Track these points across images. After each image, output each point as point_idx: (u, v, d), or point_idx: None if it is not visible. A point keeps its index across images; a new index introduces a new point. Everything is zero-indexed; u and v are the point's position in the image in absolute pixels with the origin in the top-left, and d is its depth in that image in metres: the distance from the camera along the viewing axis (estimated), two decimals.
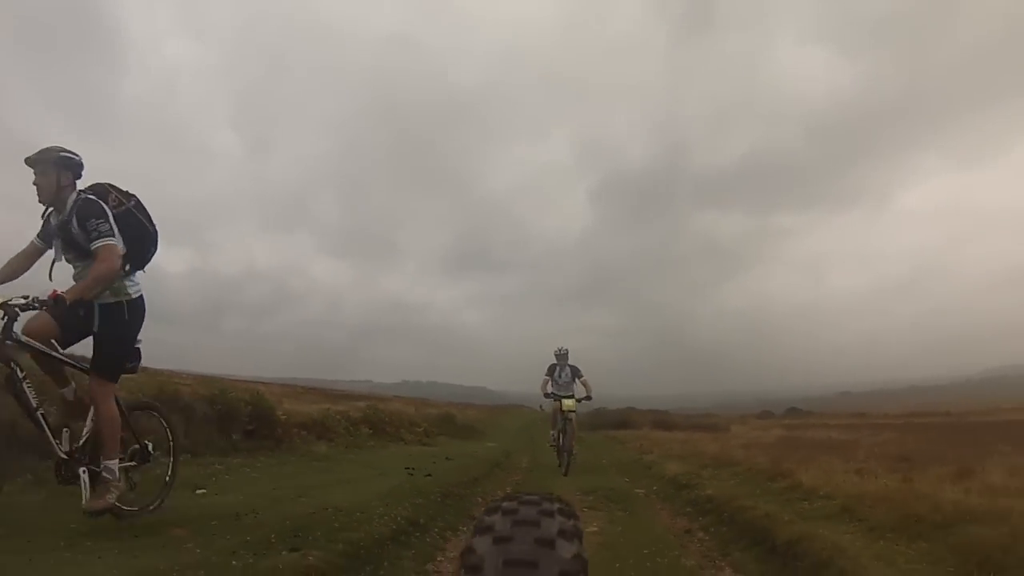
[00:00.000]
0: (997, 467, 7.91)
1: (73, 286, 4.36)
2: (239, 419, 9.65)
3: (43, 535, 4.13)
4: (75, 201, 4.51)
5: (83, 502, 4.37)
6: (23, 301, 4.14)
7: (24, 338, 4.26)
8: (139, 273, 4.79)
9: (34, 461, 5.70)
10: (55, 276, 4.63)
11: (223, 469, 7.66)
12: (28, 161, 4.47)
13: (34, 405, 4.34)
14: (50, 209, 4.58)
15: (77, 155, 4.60)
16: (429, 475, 8.66)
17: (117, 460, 4.58)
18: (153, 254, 4.87)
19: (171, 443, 5.52)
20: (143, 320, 4.77)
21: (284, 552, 4.03)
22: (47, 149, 4.50)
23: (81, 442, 4.59)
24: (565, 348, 12.59)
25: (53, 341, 4.46)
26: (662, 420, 33.31)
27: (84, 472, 4.44)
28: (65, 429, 4.54)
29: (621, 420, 33.22)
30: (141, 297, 4.76)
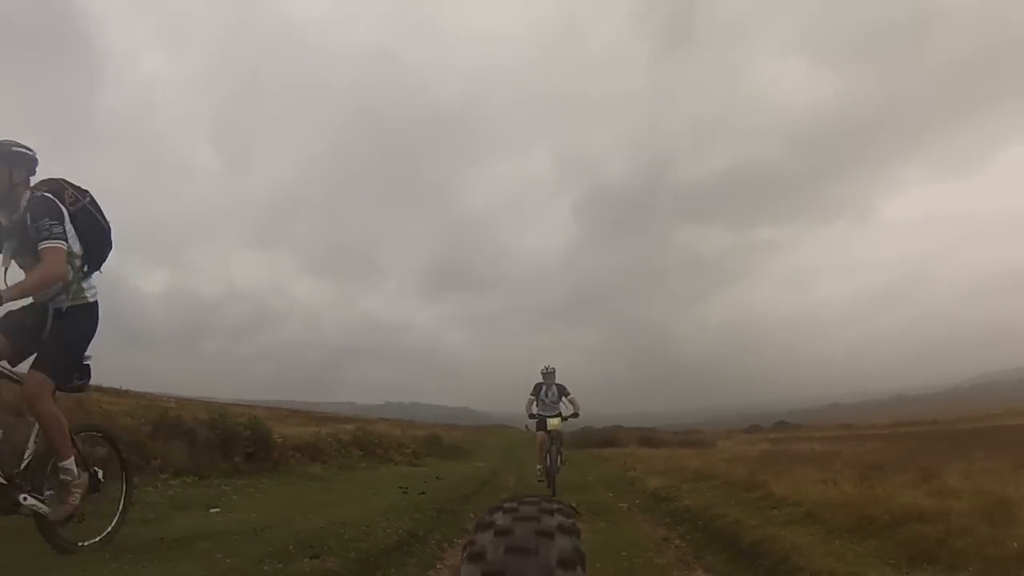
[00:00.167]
0: (957, 472, 8.65)
1: (13, 284, 4.14)
2: (239, 442, 10.22)
3: (85, 551, 4.67)
4: (29, 200, 4.27)
5: (47, 517, 4.22)
6: None
7: None
8: (96, 275, 4.60)
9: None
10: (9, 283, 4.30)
11: (230, 490, 8.24)
12: None
13: None
14: None
15: (31, 150, 4.39)
16: (423, 493, 9.26)
17: (72, 458, 4.35)
18: (108, 252, 4.69)
19: (122, 468, 5.15)
20: (97, 328, 4.54)
21: (305, 559, 4.63)
22: None
23: (23, 466, 4.27)
24: (552, 366, 12.26)
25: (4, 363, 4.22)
26: (648, 437, 33.98)
27: (25, 499, 4.11)
28: None
29: (607, 438, 33.79)
30: (97, 303, 4.56)
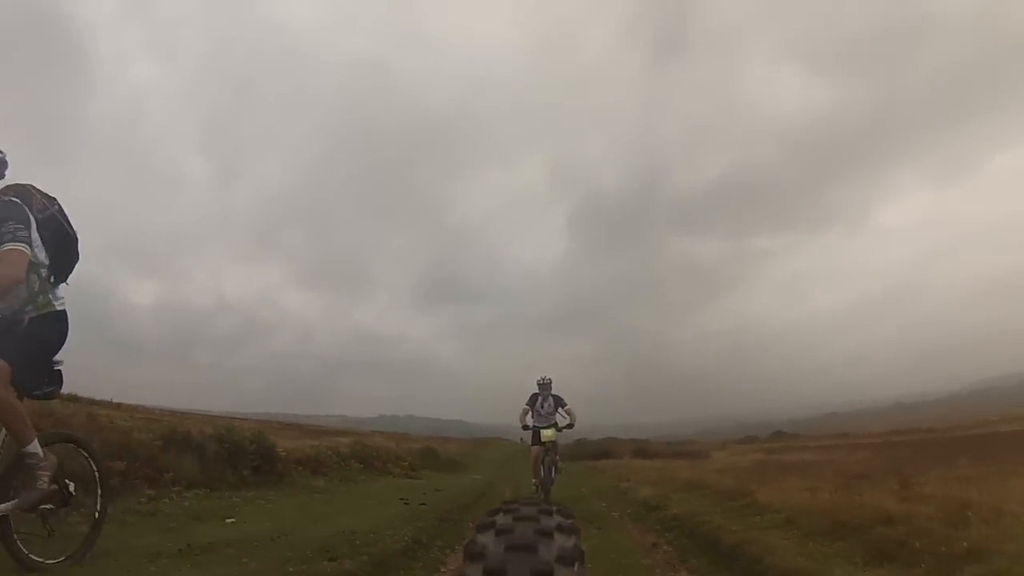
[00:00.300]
0: (933, 479, 9.26)
1: None
2: (246, 456, 10.73)
3: (122, 556, 5.18)
4: None
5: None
6: None
7: None
8: (63, 287, 4.57)
9: (85, 496, 6.85)
10: None
11: (240, 501, 8.77)
12: None
13: None
14: None
15: (1, 152, 4.33)
16: (423, 504, 9.81)
17: (35, 441, 4.25)
18: (76, 263, 4.64)
19: (97, 480, 5.01)
20: (66, 338, 4.48)
21: (324, 562, 5.19)
22: None
23: None
24: (548, 377, 12.27)
25: None
26: (642, 449, 34.54)
27: None
28: None
29: (602, 450, 34.29)
30: (65, 312, 4.48)
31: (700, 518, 8.24)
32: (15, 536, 4.26)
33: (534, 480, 11.85)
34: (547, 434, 11.69)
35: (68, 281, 4.63)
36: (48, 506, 4.45)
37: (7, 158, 4.36)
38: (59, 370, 4.49)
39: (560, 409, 12.14)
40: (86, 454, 4.98)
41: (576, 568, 1.23)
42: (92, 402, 14.24)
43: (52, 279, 4.45)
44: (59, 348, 4.46)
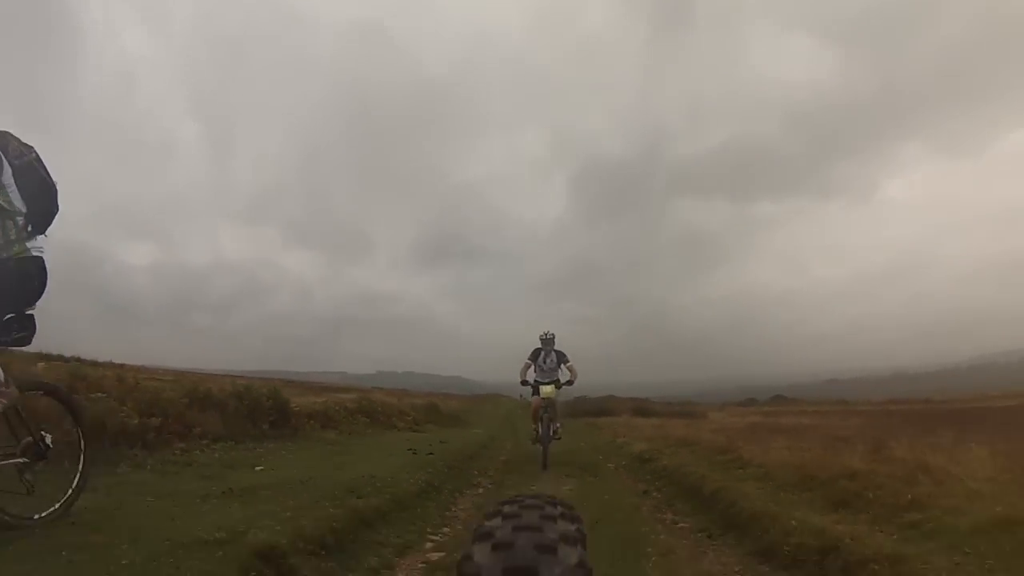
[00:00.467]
0: (905, 444, 10.16)
1: None
2: (263, 412, 11.67)
3: (176, 498, 6.00)
4: None
5: None
6: None
7: None
8: (41, 238, 4.44)
9: (128, 449, 7.79)
10: None
11: (264, 452, 9.72)
12: None
13: None
14: None
15: None
16: (431, 454, 10.78)
17: None
18: (55, 214, 4.50)
19: (79, 434, 4.87)
20: (45, 287, 4.38)
21: (353, 499, 6.10)
22: None
23: None
24: (551, 332, 12.32)
25: None
26: (642, 407, 35.51)
27: None
28: None
29: (601, 408, 35.27)
30: (43, 259, 4.39)
31: (687, 469, 9.23)
32: None
33: (533, 425, 11.96)
34: (546, 390, 11.82)
35: (47, 233, 4.46)
36: (22, 460, 4.35)
37: None
38: (31, 314, 4.32)
39: (562, 365, 12.16)
40: (68, 407, 4.84)
41: (578, 549, 1.22)
42: (96, 364, 15.10)
43: (29, 228, 4.34)
44: (37, 296, 4.34)
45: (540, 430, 11.50)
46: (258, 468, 8.26)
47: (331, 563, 4.58)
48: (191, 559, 3.80)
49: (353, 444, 12.45)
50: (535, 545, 1.21)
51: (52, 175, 4.49)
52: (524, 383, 12.15)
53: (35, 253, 4.35)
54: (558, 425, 11.88)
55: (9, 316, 4.23)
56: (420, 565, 5.12)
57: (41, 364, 10.93)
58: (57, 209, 4.52)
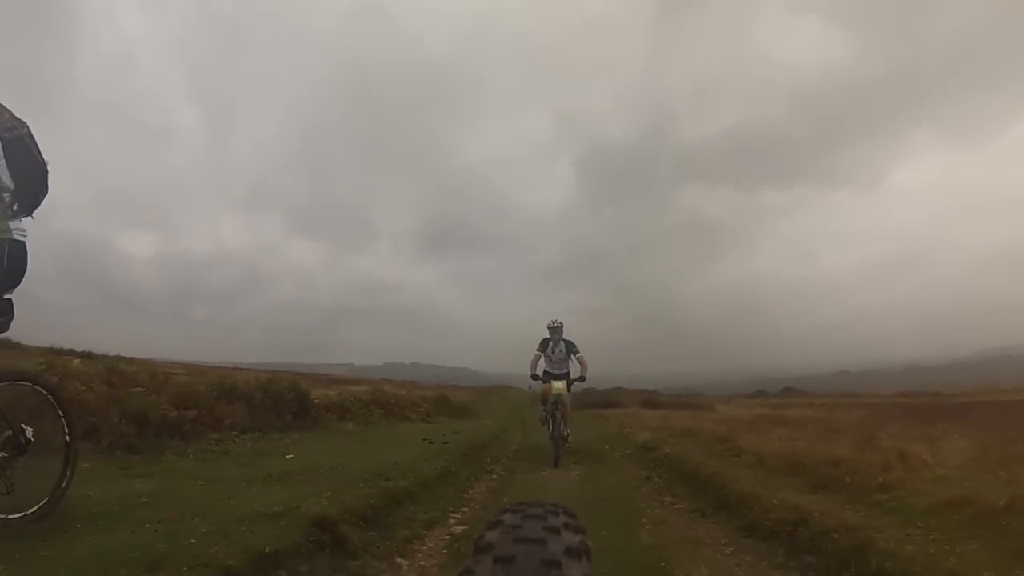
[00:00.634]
0: (894, 435, 10.94)
1: None
2: (286, 404, 12.58)
3: (224, 482, 6.77)
4: None
5: None
6: None
7: None
8: (27, 220, 4.29)
9: (168, 440, 8.67)
10: None
11: (290, 442, 10.60)
12: None
13: None
14: None
15: None
16: (446, 443, 11.68)
17: None
18: (44, 195, 4.35)
19: (65, 428, 4.61)
20: (24, 273, 4.20)
21: (382, 482, 6.94)
22: None
23: None
24: (559, 321, 12.21)
25: None
26: (649, 399, 36.30)
27: None
28: None
29: (609, 399, 36.01)
30: (24, 244, 4.22)
31: (686, 457, 10.09)
32: None
33: (544, 407, 12.03)
34: (558, 386, 11.71)
35: (34, 216, 4.30)
36: (1, 455, 4.14)
37: None
38: (8, 299, 4.16)
39: (572, 356, 12.06)
40: (53, 400, 4.55)
41: (583, 562, 1.20)
42: (89, 356, 15.89)
43: (15, 207, 4.21)
44: (16, 282, 4.18)
45: (552, 427, 11.46)
46: (288, 456, 9.10)
47: (372, 532, 5.46)
48: (260, 527, 4.61)
49: (370, 435, 13.36)
50: (540, 561, 1.19)
51: (44, 155, 4.35)
52: (535, 377, 12.17)
53: (17, 237, 4.19)
54: (568, 431, 11.67)
55: None
56: (446, 536, 6.02)
57: (77, 361, 11.79)
58: (47, 191, 4.37)
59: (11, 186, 4.15)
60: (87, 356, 14.56)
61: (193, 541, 4.13)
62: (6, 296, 4.16)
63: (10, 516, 4.07)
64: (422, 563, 5.22)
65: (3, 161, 4.13)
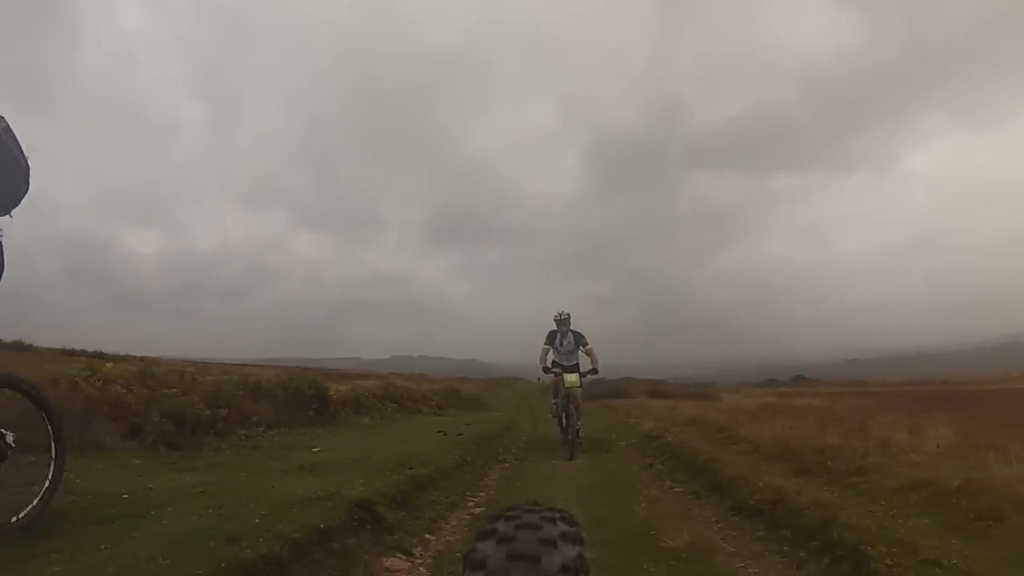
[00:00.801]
0: (883, 424, 11.71)
1: None
2: (306, 400, 13.46)
3: (262, 473, 7.57)
4: None
5: None
6: None
7: None
8: (5, 219, 4.11)
9: (203, 437, 9.51)
10: None
11: (314, 436, 11.48)
12: None
13: None
14: None
15: None
16: (460, 434, 12.57)
17: None
18: (24, 193, 4.14)
19: (50, 432, 4.46)
20: (1, 272, 4.04)
21: (406, 470, 7.80)
22: None
23: None
24: (566, 312, 12.26)
25: None
26: (657, 389, 36.83)
27: None
28: None
29: (617, 390, 36.61)
30: (1, 245, 4.04)
31: (687, 445, 10.93)
32: None
33: (554, 400, 12.40)
34: (571, 379, 11.78)
35: (12, 214, 4.12)
36: None
37: None
38: None
39: (581, 348, 12.13)
40: (34, 401, 4.41)
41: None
42: (99, 356, 16.67)
43: None
44: None
45: (564, 422, 11.69)
46: (315, 449, 9.94)
47: (403, 513, 6.35)
48: (309, 509, 5.43)
49: (386, 428, 14.27)
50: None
51: (25, 150, 4.12)
52: (546, 370, 12.20)
53: None
54: (580, 423, 11.82)
55: None
56: (466, 516, 6.97)
57: (109, 365, 12.57)
58: (27, 188, 4.14)
59: None
60: (98, 356, 15.42)
61: (257, 521, 4.93)
62: None
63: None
64: (448, 539, 6.14)
65: None
